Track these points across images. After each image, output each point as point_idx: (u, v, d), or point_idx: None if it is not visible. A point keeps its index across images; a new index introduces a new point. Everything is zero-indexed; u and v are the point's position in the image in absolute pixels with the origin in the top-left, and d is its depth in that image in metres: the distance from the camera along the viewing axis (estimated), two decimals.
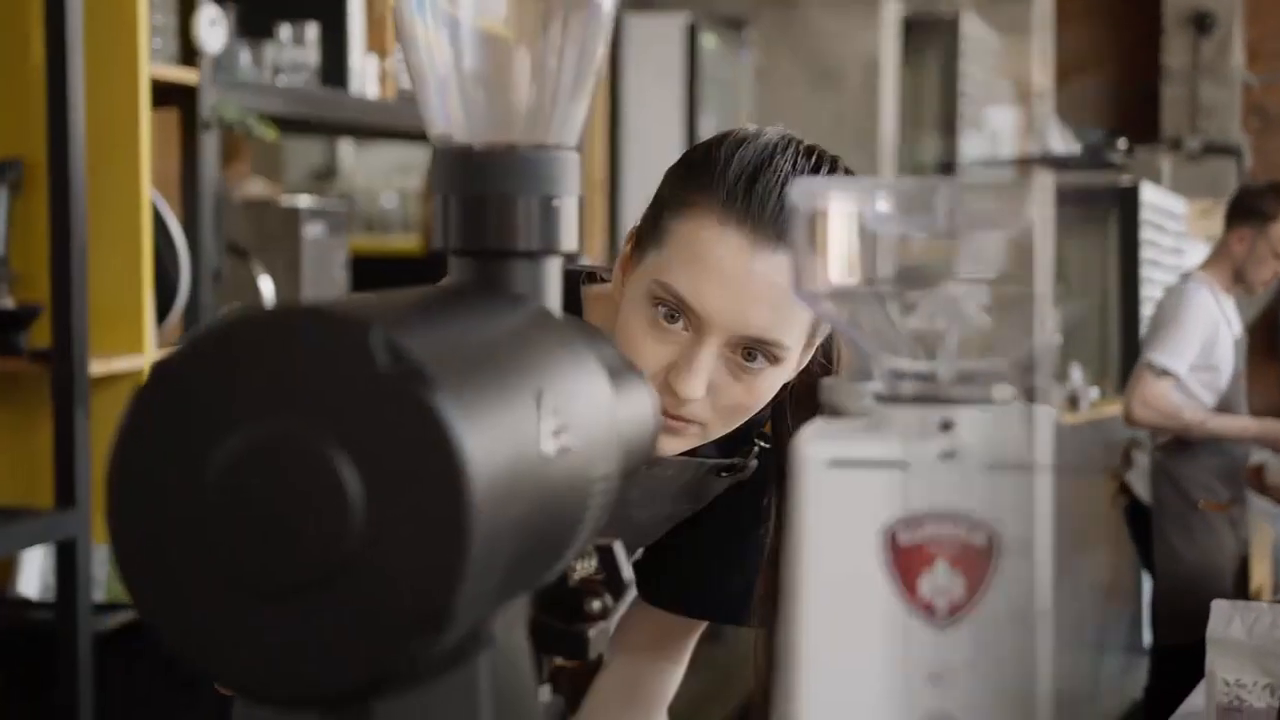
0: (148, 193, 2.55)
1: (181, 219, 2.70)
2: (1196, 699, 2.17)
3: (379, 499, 0.62)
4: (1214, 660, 1.97)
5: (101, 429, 2.45)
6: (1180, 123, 9.05)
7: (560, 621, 0.87)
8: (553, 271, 0.81)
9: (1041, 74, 5.94)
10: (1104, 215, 7.10)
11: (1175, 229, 7.58)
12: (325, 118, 3.16)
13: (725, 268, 1.23)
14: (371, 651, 0.63)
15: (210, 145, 2.71)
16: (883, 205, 0.72)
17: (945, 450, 0.70)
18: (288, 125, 3.26)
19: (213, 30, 2.68)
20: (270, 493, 0.63)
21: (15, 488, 2.55)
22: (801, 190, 0.72)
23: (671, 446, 1.30)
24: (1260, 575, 6.90)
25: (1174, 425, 4.36)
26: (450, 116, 0.81)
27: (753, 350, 1.26)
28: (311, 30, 3.07)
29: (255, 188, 4.73)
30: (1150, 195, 7.07)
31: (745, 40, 5.72)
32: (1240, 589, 4.38)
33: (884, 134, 5.91)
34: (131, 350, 2.56)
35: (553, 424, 0.71)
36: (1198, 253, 8.43)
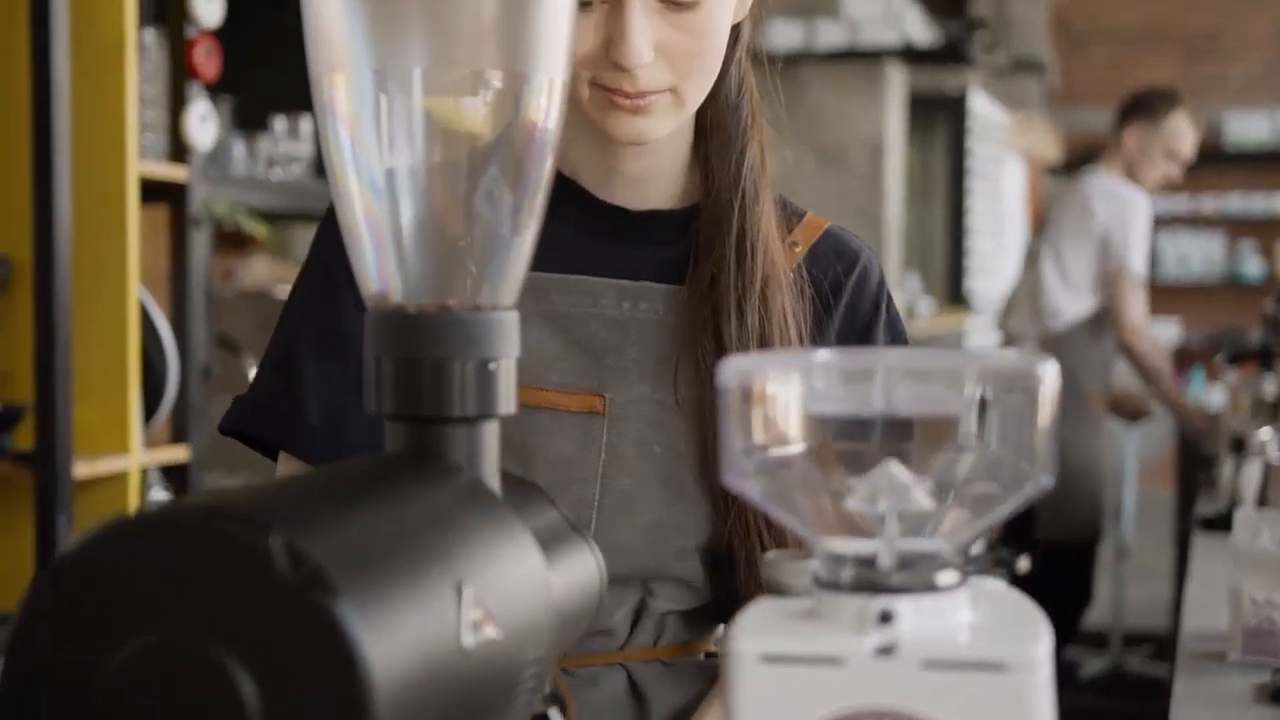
0: (135, 291, 2.53)
1: (170, 315, 2.68)
2: (1218, 620, 1.97)
3: (278, 712, 0.59)
4: (1240, 577, 1.80)
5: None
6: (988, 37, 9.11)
7: None
8: (490, 436, 0.79)
9: None
10: (931, 120, 7.14)
11: (998, 139, 7.69)
12: (318, 210, 3.14)
13: None
14: None
15: (200, 241, 2.70)
16: (818, 382, 0.70)
17: (883, 645, 0.66)
18: (282, 216, 3.26)
19: (203, 126, 2.67)
20: (164, 704, 0.60)
21: None
22: (732, 367, 0.69)
23: (653, 127, 1.21)
24: None
25: (1155, 367, 4.46)
26: (385, 276, 0.79)
27: None
28: (306, 123, 3.06)
29: (260, 267, 4.73)
30: (978, 104, 7.10)
31: None
32: None
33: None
34: (118, 451, 2.53)
35: (475, 614, 0.68)
36: (1014, 165, 8.53)
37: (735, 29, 1.30)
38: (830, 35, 5.60)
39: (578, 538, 0.86)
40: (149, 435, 2.66)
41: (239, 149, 2.94)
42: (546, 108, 0.79)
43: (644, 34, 1.16)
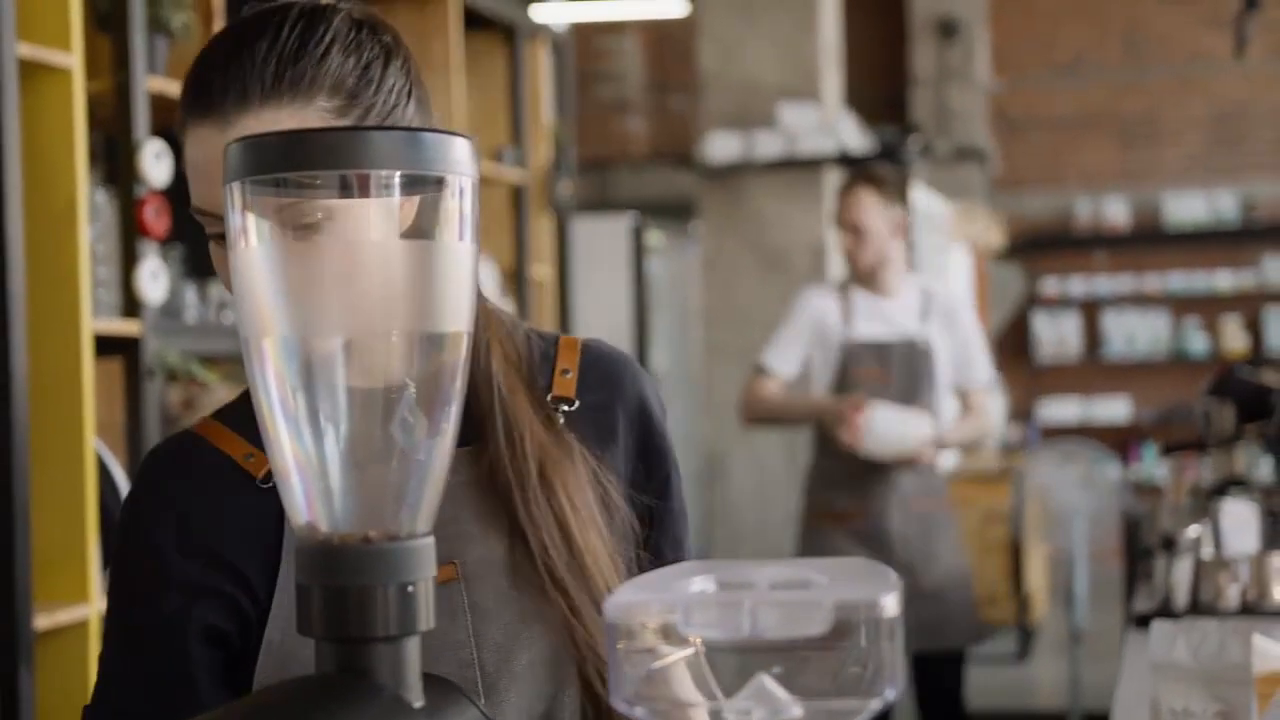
0: (91, 444, 2.61)
1: (126, 465, 2.76)
2: None
3: None
4: (1157, 687, 1.86)
5: (47, 685, 2.48)
6: (928, 127, 9.32)
7: None
8: (412, 651, 0.87)
9: (830, 70, 6.05)
10: None
11: (942, 229, 7.81)
12: None
13: (211, 159, 1.20)
14: None
15: (153, 392, 2.79)
16: (693, 612, 0.79)
17: None
18: (237, 358, 3.35)
19: (154, 282, 2.77)
20: None
21: None
22: (615, 604, 0.79)
23: None
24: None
25: (766, 415, 4.27)
26: (311, 509, 0.88)
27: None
28: None
29: (220, 396, 4.79)
30: (918, 199, 7.27)
31: (692, 233, 5.87)
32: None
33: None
34: (77, 600, 2.60)
35: None
36: (959, 254, 8.71)
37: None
38: (768, 146, 5.76)
39: None
40: (106, 583, 2.72)
41: (191, 295, 3.03)
42: (455, 356, 0.89)
43: None
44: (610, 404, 1.38)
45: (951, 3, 9.93)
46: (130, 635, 1.29)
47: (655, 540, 1.38)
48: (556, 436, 1.34)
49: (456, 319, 0.88)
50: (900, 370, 4.21)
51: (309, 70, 1.22)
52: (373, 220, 0.88)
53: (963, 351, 4.26)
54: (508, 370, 1.35)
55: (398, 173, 0.86)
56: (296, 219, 1.05)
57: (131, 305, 2.78)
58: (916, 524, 4.22)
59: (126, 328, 2.77)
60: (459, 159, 0.88)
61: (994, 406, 4.37)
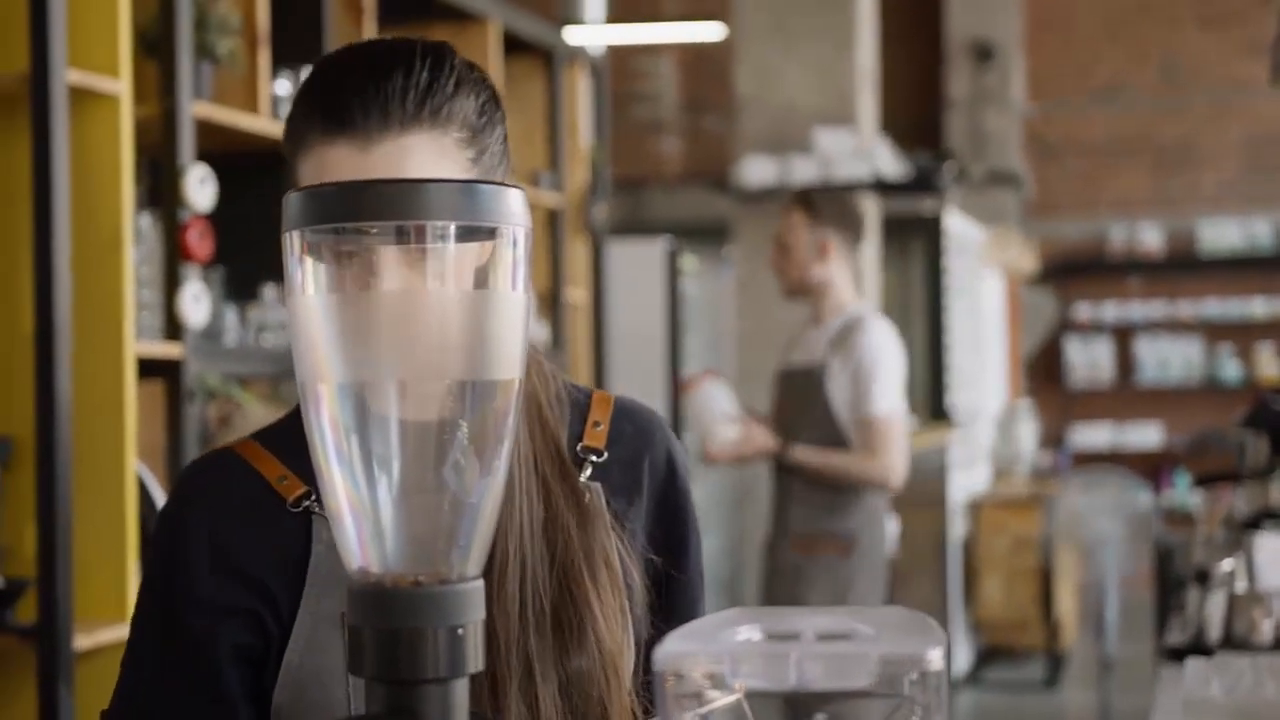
0: (133, 467, 2.64)
1: (166, 487, 2.78)
2: None
3: None
4: None
5: (86, 705, 2.51)
6: (963, 151, 9.31)
7: None
8: (460, 692, 0.89)
9: (866, 95, 6.05)
10: (907, 241, 7.26)
11: (975, 255, 7.79)
12: None
13: (339, 177, 1.22)
14: None
15: (194, 415, 2.82)
16: (740, 665, 0.81)
17: None
18: (272, 379, 3.38)
19: (197, 306, 2.80)
20: None
21: None
22: (664, 653, 0.81)
23: None
24: None
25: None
26: (365, 553, 0.89)
27: None
28: None
29: (256, 415, 4.82)
30: (952, 224, 7.26)
31: (726, 256, 5.87)
32: None
33: None
34: (117, 621, 2.63)
35: None
36: (993, 279, 8.70)
37: None
38: (804, 171, 5.77)
39: None
40: None
41: (231, 318, 3.06)
42: (506, 402, 0.91)
43: None
44: (638, 459, 1.38)
45: (987, 27, 9.95)
46: (160, 648, 1.30)
47: (668, 601, 1.37)
48: (570, 488, 1.33)
49: (509, 367, 0.90)
50: (795, 397, 4.17)
51: (445, 103, 1.26)
52: (428, 270, 0.90)
53: (852, 379, 4.06)
54: (527, 419, 1.35)
55: (453, 223, 0.88)
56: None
57: (173, 328, 2.82)
58: (793, 562, 4.07)
59: (168, 350, 2.80)
60: (513, 210, 0.89)
61: (892, 447, 3.98)
